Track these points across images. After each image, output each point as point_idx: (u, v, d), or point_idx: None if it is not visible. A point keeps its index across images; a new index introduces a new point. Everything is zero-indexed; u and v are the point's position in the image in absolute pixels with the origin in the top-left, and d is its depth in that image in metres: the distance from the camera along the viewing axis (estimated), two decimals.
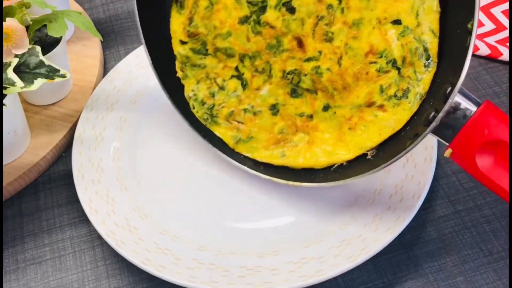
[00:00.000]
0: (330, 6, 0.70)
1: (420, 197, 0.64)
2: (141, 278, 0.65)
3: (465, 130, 0.57)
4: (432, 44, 0.65)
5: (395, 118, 0.65)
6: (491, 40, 0.89)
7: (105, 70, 0.91)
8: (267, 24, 0.72)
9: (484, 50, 0.86)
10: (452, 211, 0.68)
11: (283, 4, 0.71)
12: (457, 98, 0.57)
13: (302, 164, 0.69)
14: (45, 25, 0.75)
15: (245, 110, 0.72)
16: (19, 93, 0.81)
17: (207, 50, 0.72)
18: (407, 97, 0.65)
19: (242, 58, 0.72)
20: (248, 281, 0.59)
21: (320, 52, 0.69)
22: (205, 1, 0.73)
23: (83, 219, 0.72)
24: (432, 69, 0.65)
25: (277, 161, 0.70)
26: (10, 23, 0.67)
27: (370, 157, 0.66)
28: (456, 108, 0.57)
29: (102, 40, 0.77)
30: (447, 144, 0.58)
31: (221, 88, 0.72)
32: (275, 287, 0.58)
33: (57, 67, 0.69)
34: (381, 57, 0.67)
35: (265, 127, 0.71)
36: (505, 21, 0.91)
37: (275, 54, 0.71)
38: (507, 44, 0.87)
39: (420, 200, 0.63)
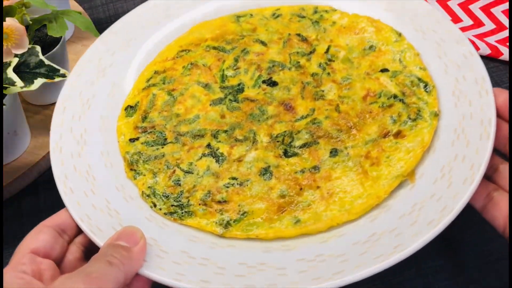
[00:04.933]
0: (315, 74, 0.71)
1: (473, 182, 0.54)
2: None
3: None
4: (423, 74, 0.68)
5: (418, 139, 0.62)
6: (491, 40, 0.88)
7: None
8: (246, 99, 0.70)
9: (484, 50, 0.86)
10: None
11: (263, 82, 0.71)
12: None
13: (331, 223, 0.58)
14: (45, 25, 0.75)
15: (226, 185, 0.62)
16: (19, 93, 0.81)
17: (165, 139, 0.67)
18: (422, 117, 0.64)
19: (215, 135, 0.67)
20: (248, 282, 0.52)
21: (313, 109, 0.68)
22: (164, 96, 0.71)
23: None
24: (433, 91, 0.66)
25: (291, 230, 0.57)
26: (10, 22, 0.67)
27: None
28: None
29: None
30: None
31: (188, 172, 0.64)
32: None
33: (57, 67, 0.69)
34: (380, 97, 0.67)
35: (259, 195, 0.61)
36: (505, 21, 0.91)
37: (259, 122, 0.67)
38: (507, 44, 0.87)
39: (473, 186, 0.53)
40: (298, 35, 0.76)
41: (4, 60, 0.67)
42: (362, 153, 0.62)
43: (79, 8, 0.97)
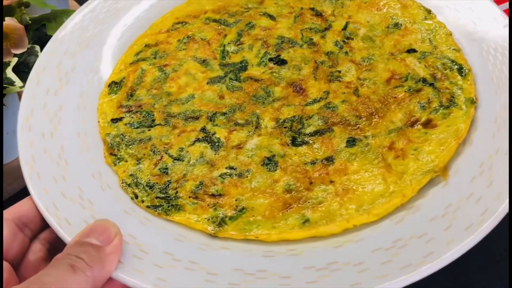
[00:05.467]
0: (330, 53, 0.61)
1: None
2: None
3: None
4: (457, 56, 0.58)
5: (452, 129, 0.52)
6: None
7: None
8: (249, 79, 0.60)
9: None
10: None
11: (270, 60, 0.61)
12: None
13: (346, 225, 0.48)
14: (44, 25, 0.74)
15: (222, 176, 0.53)
16: (19, 93, 0.76)
17: (153, 120, 0.58)
18: (456, 104, 0.54)
19: (211, 117, 0.57)
20: None
21: (327, 92, 0.58)
22: (154, 72, 0.62)
23: None
24: (469, 75, 0.56)
25: (298, 232, 0.48)
26: (9, 22, 0.66)
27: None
28: None
29: None
30: None
31: (178, 159, 0.54)
32: None
33: None
34: (406, 80, 0.57)
35: (261, 188, 0.51)
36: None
37: (264, 104, 0.58)
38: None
39: None
40: (312, 9, 0.66)
41: (4, 60, 0.66)
42: (385, 144, 0.53)
43: (78, 7, 0.92)
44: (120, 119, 0.58)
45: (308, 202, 0.50)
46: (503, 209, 0.45)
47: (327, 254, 0.46)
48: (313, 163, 0.52)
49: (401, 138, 0.53)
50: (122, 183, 0.53)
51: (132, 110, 0.59)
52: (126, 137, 0.56)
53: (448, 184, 0.49)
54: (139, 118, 0.58)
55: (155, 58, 0.63)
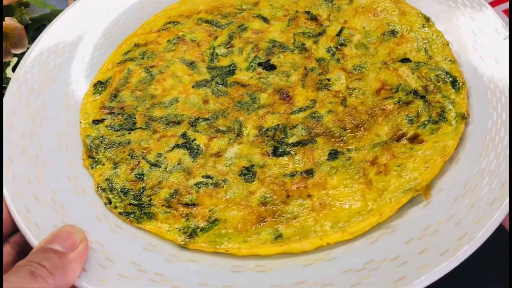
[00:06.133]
0: (321, 60, 0.59)
1: (502, 205, 0.44)
2: None
3: None
4: (452, 68, 0.55)
5: (439, 146, 0.50)
6: None
7: None
8: (236, 83, 0.58)
9: None
10: None
11: (259, 64, 0.59)
12: None
13: (320, 242, 0.46)
14: (44, 25, 0.73)
15: (198, 184, 0.51)
16: None
17: (134, 123, 0.57)
18: (446, 119, 0.52)
19: (193, 123, 0.55)
20: None
21: (314, 101, 0.56)
22: (140, 73, 0.60)
23: None
24: (463, 89, 0.54)
25: (270, 247, 0.47)
26: (9, 22, 0.66)
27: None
28: None
29: None
30: None
31: (155, 165, 0.53)
32: None
33: None
34: (397, 91, 0.55)
35: (236, 200, 0.50)
36: (505, 20, 0.83)
37: (248, 111, 0.56)
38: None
39: (503, 210, 0.44)
40: (307, 12, 0.64)
41: (4, 60, 0.67)
42: (368, 158, 0.51)
43: None
44: (102, 120, 0.57)
45: (283, 216, 0.48)
46: (483, 234, 0.43)
47: (295, 273, 0.44)
48: (292, 175, 0.51)
49: (385, 153, 0.51)
50: (97, 187, 0.52)
51: (114, 112, 0.58)
52: (105, 139, 0.55)
53: (429, 204, 0.47)
54: (121, 121, 0.57)
55: (142, 58, 0.62)
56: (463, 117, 0.52)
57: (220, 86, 0.58)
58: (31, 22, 0.73)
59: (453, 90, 0.54)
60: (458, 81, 0.55)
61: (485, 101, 0.52)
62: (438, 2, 0.61)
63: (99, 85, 0.60)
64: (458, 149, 0.50)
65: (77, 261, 0.43)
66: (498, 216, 0.43)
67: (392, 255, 0.43)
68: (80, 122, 0.57)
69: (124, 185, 0.52)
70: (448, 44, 0.58)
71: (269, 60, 0.60)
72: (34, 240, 0.46)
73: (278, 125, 0.54)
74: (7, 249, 0.48)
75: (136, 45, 0.63)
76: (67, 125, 0.57)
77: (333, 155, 0.51)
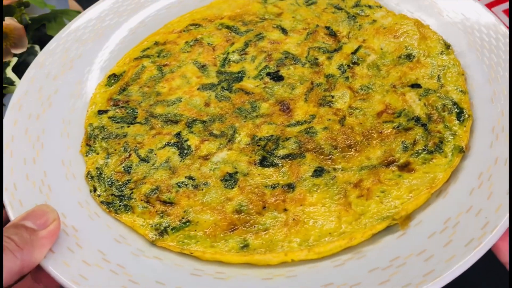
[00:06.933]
0: (330, 76, 0.58)
1: (479, 245, 0.42)
2: None
3: None
4: (461, 99, 0.53)
5: (428, 177, 0.48)
6: None
7: None
8: (241, 90, 0.59)
9: None
10: None
11: (267, 74, 0.59)
12: None
13: (284, 258, 0.45)
14: (44, 25, 0.74)
15: (179, 184, 0.51)
16: None
17: (135, 118, 0.58)
18: (442, 151, 0.50)
19: (190, 123, 0.56)
20: None
21: (313, 116, 0.55)
22: (152, 70, 0.62)
23: None
24: (468, 121, 0.51)
25: (234, 256, 0.46)
26: (9, 22, 0.66)
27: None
28: None
29: None
30: None
31: (144, 160, 0.54)
32: None
33: None
34: (399, 116, 0.53)
35: (212, 204, 0.49)
36: (505, 20, 0.82)
37: (246, 118, 0.56)
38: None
39: (477, 253, 0.42)
40: (327, 28, 0.64)
41: (4, 60, 0.67)
42: (352, 180, 0.49)
43: (78, 7, 0.93)
44: (106, 111, 0.59)
45: (254, 226, 0.47)
46: (450, 274, 0.41)
47: (252, 285, 0.44)
48: (273, 187, 0.50)
49: (371, 176, 0.49)
50: (87, 174, 0.54)
51: (118, 105, 0.59)
52: (105, 130, 0.57)
53: (404, 235, 0.45)
54: (123, 114, 0.58)
55: (158, 56, 0.64)
56: (461, 150, 0.49)
57: (225, 91, 0.59)
58: (31, 22, 0.73)
59: (457, 121, 0.52)
60: (465, 112, 0.52)
61: (488, 137, 0.50)
62: (464, 32, 0.59)
63: (113, 78, 0.62)
64: (449, 183, 0.48)
65: (46, 239, 0.44)
66: (470, 258, 0.41)
67: (353, 281, 0.42)
68: (87, 110, 0.59)
69: (112, 176, 0.53)
70: (463, 74, 0.55)
71: (278, 71, 0.60)
72: (13, 217, 0.48)
73: (272, 135, 0.54)
74: None
75: (156, 43, 0.65)
76: (74, 112, 0.59)
77: (318, 172, 0.50)
